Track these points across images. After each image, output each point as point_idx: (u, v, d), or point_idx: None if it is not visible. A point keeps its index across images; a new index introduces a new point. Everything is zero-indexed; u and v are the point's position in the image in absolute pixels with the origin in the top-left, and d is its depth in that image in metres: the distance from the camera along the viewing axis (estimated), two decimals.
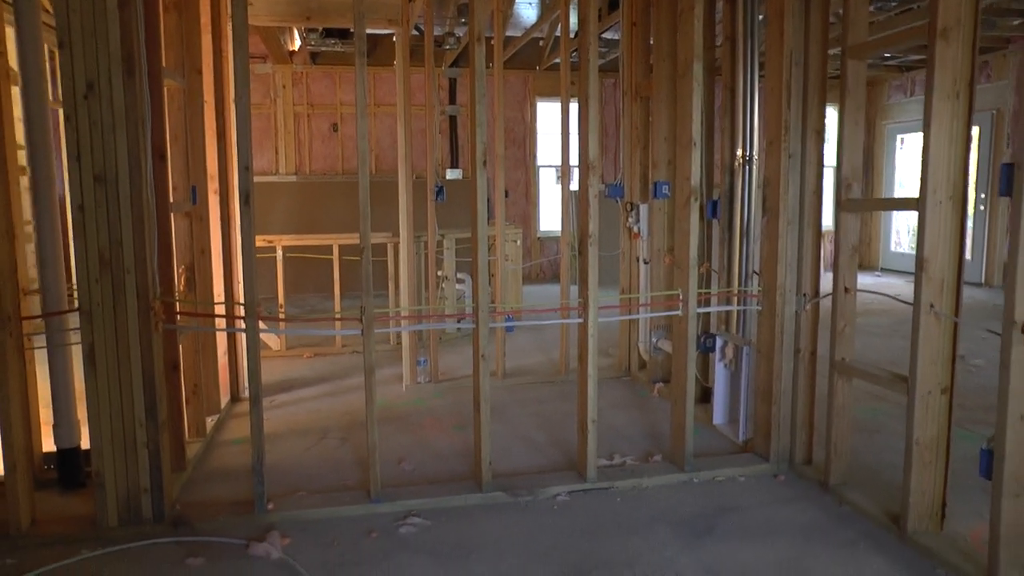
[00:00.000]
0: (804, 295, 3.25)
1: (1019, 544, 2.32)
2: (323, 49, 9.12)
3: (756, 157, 3.73)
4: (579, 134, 3.11)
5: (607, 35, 8.37)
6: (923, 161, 2.57)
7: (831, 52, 3.28)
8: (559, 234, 5.39)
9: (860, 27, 2.92)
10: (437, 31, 8.17)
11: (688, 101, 3.14)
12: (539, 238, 10.69)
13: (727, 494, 3.09)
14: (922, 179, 2.58)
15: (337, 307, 5.82)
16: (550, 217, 10.76)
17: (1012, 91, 8.87)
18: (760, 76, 3.70)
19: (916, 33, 2.70)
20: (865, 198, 3.66)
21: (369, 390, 2.95)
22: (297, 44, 8.79)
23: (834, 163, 3.02)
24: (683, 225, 3.20)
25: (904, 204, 2.75)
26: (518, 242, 6.50)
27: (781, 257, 3.23)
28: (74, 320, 2.87)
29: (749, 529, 2.78)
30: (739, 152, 3.77)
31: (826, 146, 3.22)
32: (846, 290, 3.04)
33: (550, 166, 10.70)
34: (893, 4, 6.73)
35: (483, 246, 3.00)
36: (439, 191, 4.69)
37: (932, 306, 2.61)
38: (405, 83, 4.73)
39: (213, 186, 4.09)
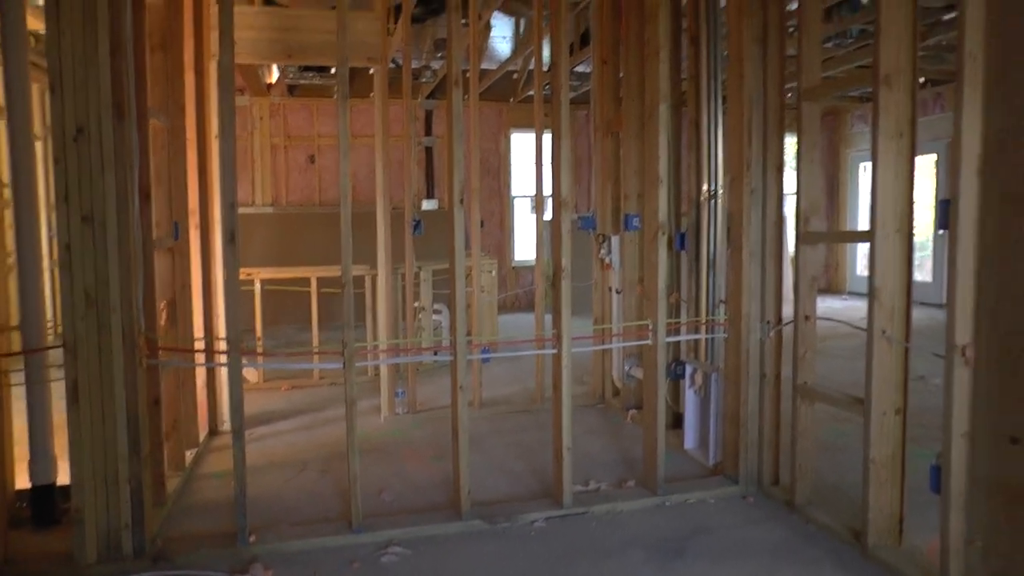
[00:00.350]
0: (768, 323, 3.40)
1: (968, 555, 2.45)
2: (301, 82, 9.25)
3: (721, 191, 3.89)
4: (552, 173, 3.25)
5: (579, 68, 8.59)
6: (872, 196, 2.74)
7: (788, 85, 3.45)
8: (534, 264, 5.56)
9: (813, 72, 3.10)
10: (414, 64, 8.33)
11: (655, 141, 3.30)
12: (514, 268, 10.83)
13: (699, 516, 3.20)
14: (872, 213, 2.74)
15: (315, 340, 5.88)
16: (525, 247, 10.91)
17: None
18: (724, 112, 3.88)
19: (862, 78, 2.88)
20: (823, 231, 3.83)
21: (350, 421, 3.04)
22: (275, 77, 8.91)
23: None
24: (651, 258, 3.34)
25: (857, 237, 2.92)
26: (493, 272, 6.62)
27: (745, 287, 3.38)
28: (54, 356, 2.92)
29: (720, 550, 2.89)
30: (705, 186, 3.94)
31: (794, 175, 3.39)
32: (807, 318, 3.19)
33: (525, 196, 10.87)
34: (850, 41, 7.01)
35: (460, 281, 3.11)
36: (416, 225, 4.81)
37: (884, 332, 2.76)
38: (384, 119, 4.86)
39: (194, 221, 4.17)
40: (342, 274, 3.02)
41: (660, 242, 3.27)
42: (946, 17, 6.38)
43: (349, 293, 3.02)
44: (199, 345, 4.00)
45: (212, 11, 4.40)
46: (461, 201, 3.07)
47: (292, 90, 9.78)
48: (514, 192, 10.88)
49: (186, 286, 3.94)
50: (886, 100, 2.69)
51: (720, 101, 3.92)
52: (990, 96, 2.34)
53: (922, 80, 9.44)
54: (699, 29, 3.97)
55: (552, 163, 3.23)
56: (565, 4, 3.22)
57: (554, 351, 3.22)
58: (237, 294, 2.94)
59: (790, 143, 3.38)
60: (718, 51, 3.90)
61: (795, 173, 3.20)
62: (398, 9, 5.77)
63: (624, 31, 4.73)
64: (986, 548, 0.68)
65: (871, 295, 2.77)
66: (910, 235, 2.75)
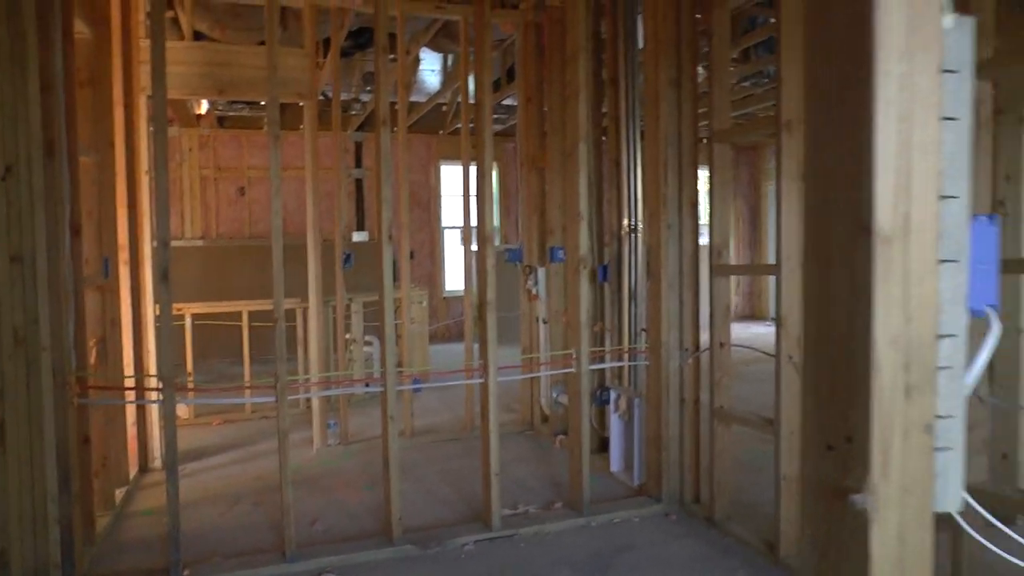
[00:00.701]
0: (686, 350, 3.60)
1: None
2: (230, 113, 9.22)
3: (641, 225, 4.10)
4: (476, 212, 3.39)
5: (508, 101, 8.80)
6: (778, 233, 2.97)
7: (703, 123, 3.68)
8: (464, 294, 5.67)
9: (723, 114, 3.33)
10: (343, 97, 8.41)
11: (576, 178, 3.48)
12: (445, 298, 10.91)
13: (623, 535, 3.35)
14: (777, 248, 2.97)
15: (247, 374, 5.85)
16: (456, 277, 11.01)
17: None
18: (642, 150, 4.09)
19: (766, 123, 3.12)
20: (734, 264, 4.07)
21: (283, 453, 3.09)
22: (204, 108, 8.86)
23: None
24: (574, 290, 3.51)
25: (765, 270, 3.14)
26: (424, 303, 6.71)
27: (664, 317, 3.58)
28: None
29: (643, 565, 3.04)
30: (625, 221, 4.14)
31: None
32: (721, 345, 3.40)
33: (455, 227, 11.00)
34: (765, 80, 7.41)
35: (390, 314, 3.21)
36: (347, 258, 4.88)
37: (791, 357, 2.97)
38: (314, 153, 4.93)
39: (123, 256, 4.15)
40: (274, 309, 3.09)
41: (582, 275, 3.44)
42: None
43: (281, 327, 3.09)
44: (129, 382, 3.97)
45: (141, 46, 4.43)
46: (390, 237, 3.18)
47: (222, 121, 9.72)
48: (444, 223, 10.99)
49: (116, 323, 3.92)
50: (787, 144, 2.94)
51: (639, 139, 4.14)
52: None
53: None
54: (618, 70, 4.20)
55: (477, 204, 3.37)
56: (488, 46, 3.39)
57: (481, 380, 3.34)
58: (170, 332, 2.97)
59: (706, 177, 3.60)
60: (636, 92, 4.13)
61: (708, 209, 3.42)
62: (328, 43, 5.88)
63: (547, 70, 4.94)
64: (812, 536, 0.82)
65: (778, 324, 2.99)
66: None
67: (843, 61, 0.70)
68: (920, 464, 0.72)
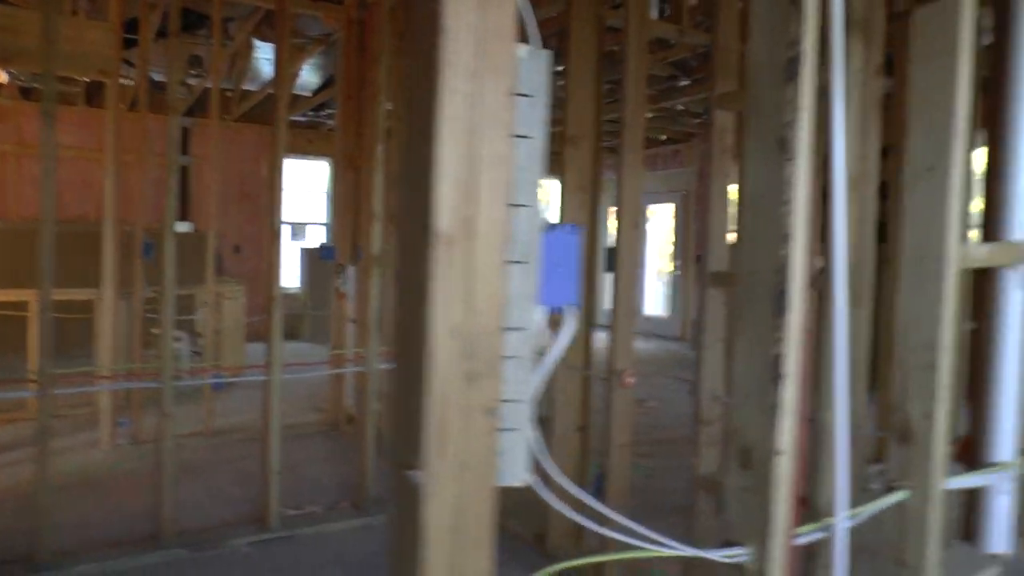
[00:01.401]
0: None
1: None
2: (36, 85, 8.51)
3: None
4: (271, 205, 3.34)
5: None
6: None
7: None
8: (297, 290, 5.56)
9: None
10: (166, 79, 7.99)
11: (371, 178, 3.50)
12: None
13: None
14: None
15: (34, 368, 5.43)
16: (289, 273, 10.70)
17: (695, 176, 10.48)
18: None
19: (555, 137, 3.27)
20: None
21: (42, 453, 2.91)
22: (5, 77, 8.14)
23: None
24: (364, 289, 3.53)
25: None
26: (241, 299, 6.50)
27: None
28: None
29: None
30: None
31: None
32: None
33: (287, 222, 10.70)
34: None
35: (170, 307, 3.11)
36: (147, 249, 4.64)
37: (564, 360, 3.13)
38: (116, 136, 4.67)
39: None
40: (39, 299, 2.91)
41: (374, 274, 3.46)
42: (682, 83, 7.13)
43: (47, 319, 2.92)
44: None
45: None
46: (171, 234, 3.07)
47: (27, 94, 8.95)
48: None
49: None
50: (572, 158, 3.08)
51: None
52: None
53: (663, 137, 10.52)
54: None
55: (271, 194, 3.32)
56: (287, 38, 3.36)
57: (265, 378, 3.29)
58: None
59: None
60: None
61: None
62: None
63: (369, 69, 4.92)
64: (392, 512, 0.91)
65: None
66: (593, 275, 3.17)
67: (423, 77, 0.76)
68: (481, 443, 0.79)
